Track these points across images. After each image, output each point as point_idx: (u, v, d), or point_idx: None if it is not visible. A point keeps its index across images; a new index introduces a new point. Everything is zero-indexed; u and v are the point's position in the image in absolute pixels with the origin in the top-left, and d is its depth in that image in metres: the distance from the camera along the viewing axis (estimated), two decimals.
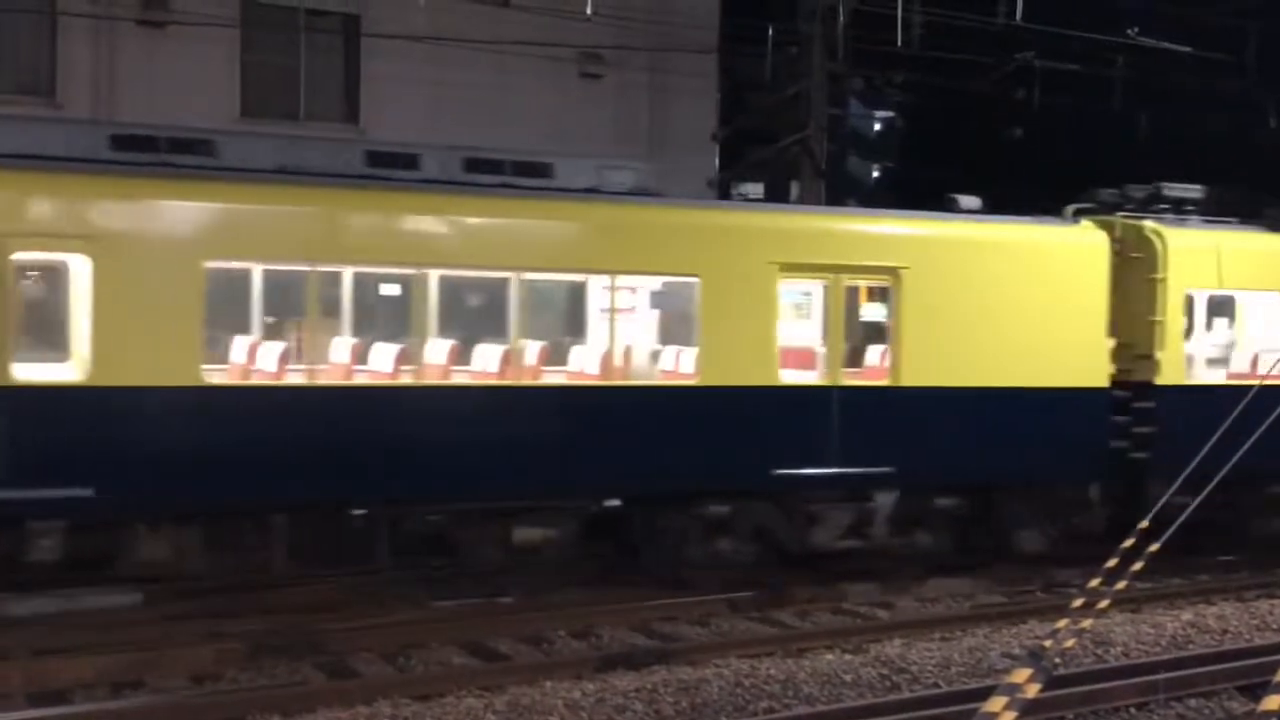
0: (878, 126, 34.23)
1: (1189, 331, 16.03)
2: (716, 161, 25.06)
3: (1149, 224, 15.69)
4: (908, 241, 14.53)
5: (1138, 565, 8.30)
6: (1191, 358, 16.04)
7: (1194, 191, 16.62)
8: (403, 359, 12.80)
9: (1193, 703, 10.56)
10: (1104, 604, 8.52)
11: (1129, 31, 22.46)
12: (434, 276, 12.98)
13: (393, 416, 12.43)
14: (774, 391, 13.75)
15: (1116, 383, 15.27)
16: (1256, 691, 10.48)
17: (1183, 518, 8.64)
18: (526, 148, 21.83)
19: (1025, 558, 15.17)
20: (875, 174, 34.11)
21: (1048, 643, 7.77)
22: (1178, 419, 15.01)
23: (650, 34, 22.94)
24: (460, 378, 13.12)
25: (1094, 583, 8.32)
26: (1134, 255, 15.50)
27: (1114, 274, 15.36)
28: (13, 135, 12.03)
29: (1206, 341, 16.33)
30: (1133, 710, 10.37)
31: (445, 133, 21.60)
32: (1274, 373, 15.57)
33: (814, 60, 21.96)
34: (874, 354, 14.61)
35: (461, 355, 13.28)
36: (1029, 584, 14.95)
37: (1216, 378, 16.21)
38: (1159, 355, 15.34)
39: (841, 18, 22.01)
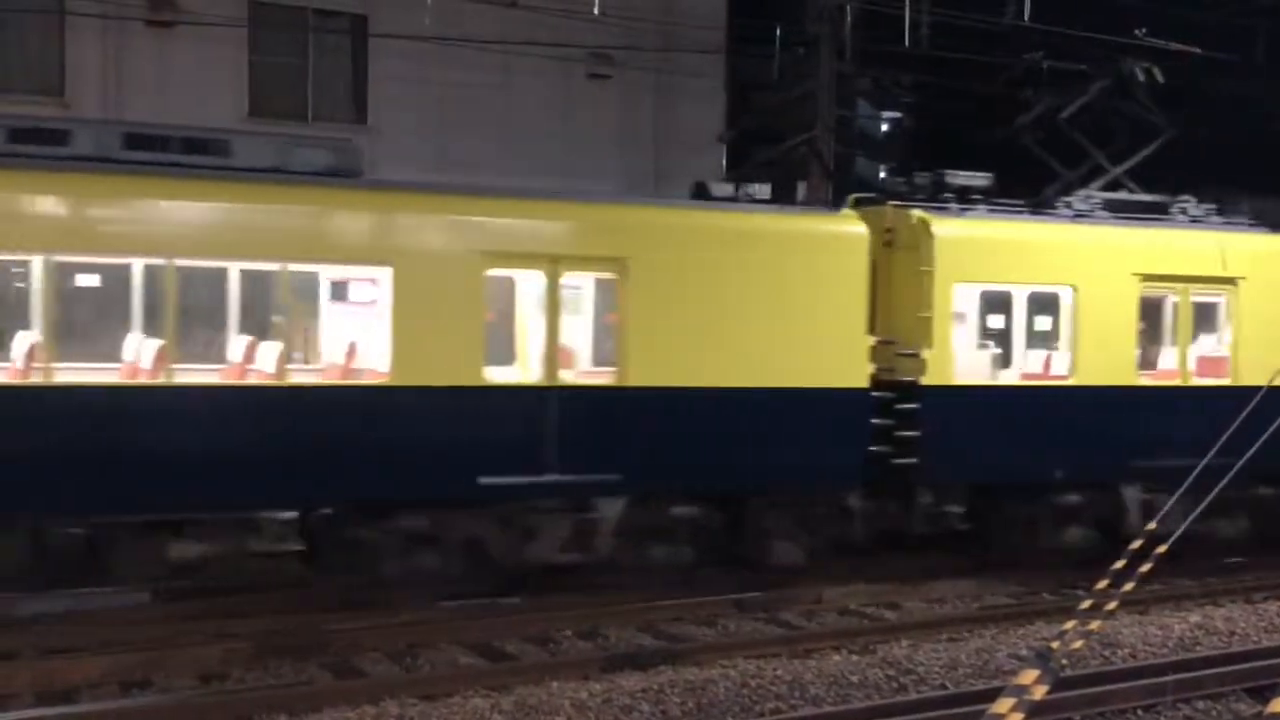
0: (885, 127, 34.17)
1: (982, 329, 15.22)
2: (724, 162, 25.08)
3: (916, 213, 14.58)
4: (633, 229, 13.37)
5: (1145, 567, 8.29)
6: (967, 356, 14.95)
7: (980, 179, 15.42)
8: (32, 355, 11.60)
9: (1200, 705, 10.54)
10: (1111, 605, 8.50)
11: (1137, 32, 22.40)
12: (45, 263, 11.53)
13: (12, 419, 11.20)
14: (479, 392, 12.58)
15: (883, 383, 14.23)
16: (1265, 693, 10.48)
17: (1189, 519, 8.63)
18: (531, 149, 22.06)
19: (783, 569, 14.19)
20: (883, 174, 34.07)
21: (1055, 644, 7.75)
22: (945, 422, 14.25)
23: (657, 34, 22.95)
24: (107, 376, 12.16)
25: (1101, 584, 8.31)
26: (906, 246, 14.49)
27: (886, 267, 14.46)
28: None
29: (984, 339, 15.30)
30: (1140, 712, 10.35)
31: (452, 132, 21.69)
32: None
33: (821, 60, 21.93)
34: None
35: (100, 351, 12.27)
36: (1036, 585, 14.94)
37: (1008, 378, 15.28)
38: (925, 353, 14.24)
39: (849, 18, 22.00)
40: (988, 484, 14.91)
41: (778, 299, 13.76)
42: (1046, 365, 15.34)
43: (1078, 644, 8.21)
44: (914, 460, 14.25)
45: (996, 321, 15.50)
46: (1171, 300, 15.90)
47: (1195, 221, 16.23)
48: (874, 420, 14.18)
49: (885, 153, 33.47)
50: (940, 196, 15.12)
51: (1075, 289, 15.03)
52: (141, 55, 20.75)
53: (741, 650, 11.98)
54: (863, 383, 14.11)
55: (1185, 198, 16.33)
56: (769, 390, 13.70)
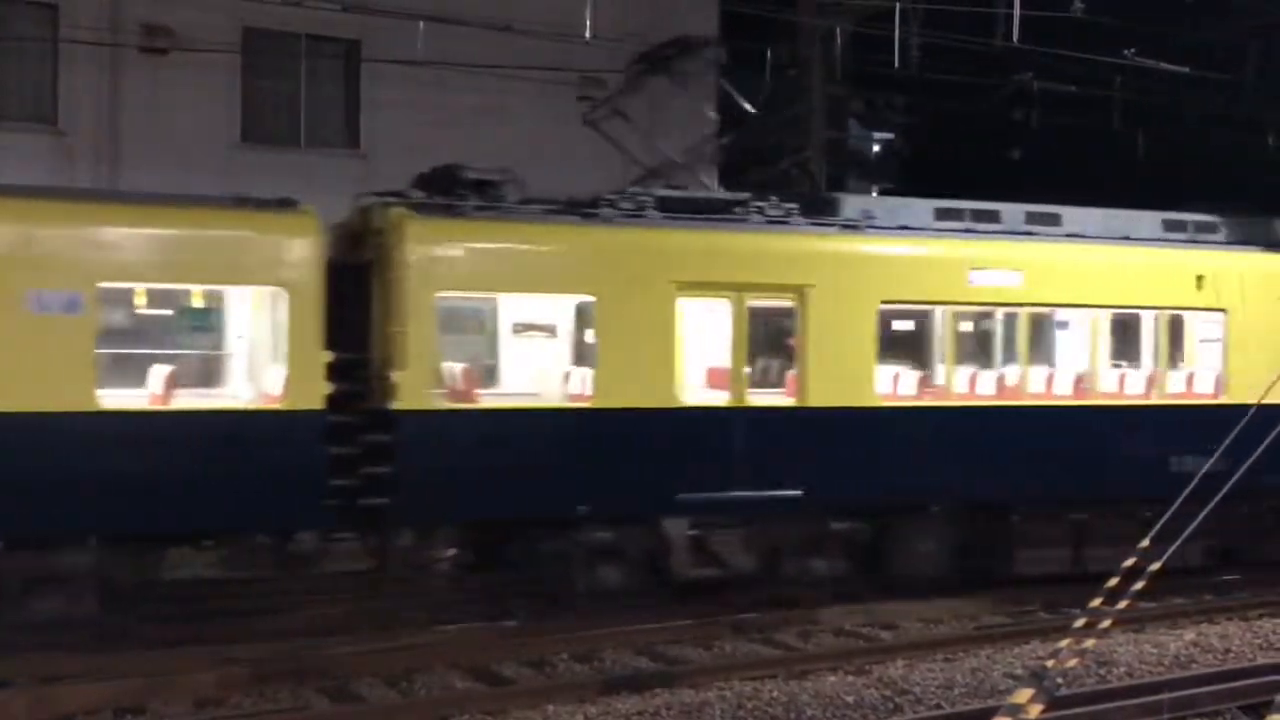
0: (877, 148, 34.36)
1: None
2: (715, 183, 25.14)
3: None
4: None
5: (1139, 584, 8.32)
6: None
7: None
8: None
9: None
10: (1106, 623, 8.54)
11: (1126, 52, 22.54)
12: None
13: None
14: None
15: None
16: (1260, 711, 10.50)
17: (1184, 536, 8.66)
18: (525, 173, 22.09)
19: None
20: (874, 195, 34.26)
21: (1050, 663, 7.79)
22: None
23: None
24: None
25: (1096, 602, 8.34)
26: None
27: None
28: None
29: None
30: None
31: (446, 156, 21.69)
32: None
33: (813, 82, 22.08)
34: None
35: None
36: (1031, 604, 14.94)
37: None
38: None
39: (839, 40, 22.15)
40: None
41: None
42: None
43: (1073, 662, 8.24)
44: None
45: None
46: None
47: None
48: None
49: (877, 173, 33.66)
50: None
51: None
52: (135, 82, 20.79)
53: (737, 672, 11.97)
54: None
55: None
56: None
